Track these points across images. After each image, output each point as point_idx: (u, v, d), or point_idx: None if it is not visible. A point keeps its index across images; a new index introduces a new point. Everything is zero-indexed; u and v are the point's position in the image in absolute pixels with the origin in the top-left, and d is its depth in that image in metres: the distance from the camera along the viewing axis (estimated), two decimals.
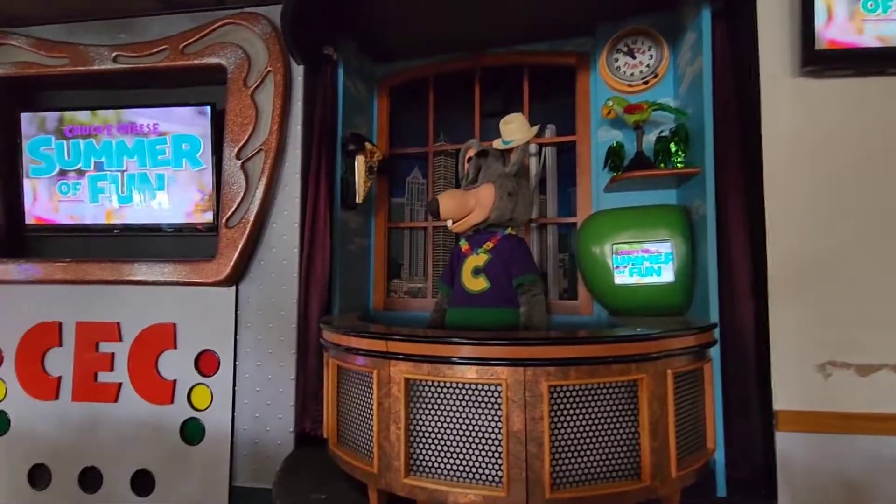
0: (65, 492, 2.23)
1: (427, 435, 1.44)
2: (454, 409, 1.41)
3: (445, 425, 1.41)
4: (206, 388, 2.19)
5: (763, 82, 1.68)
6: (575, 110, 2.40)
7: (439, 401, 1.42)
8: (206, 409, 2.18)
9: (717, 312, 1.70)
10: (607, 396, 1.39)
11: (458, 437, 1.40)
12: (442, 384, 1.42)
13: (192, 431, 2.18)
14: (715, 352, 1.67)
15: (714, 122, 1.75)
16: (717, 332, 1.67)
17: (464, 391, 1.40)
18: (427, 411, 1.44)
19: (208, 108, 2.31)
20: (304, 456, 2.07)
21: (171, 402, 2.19)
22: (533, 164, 2.58)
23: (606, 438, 1.38)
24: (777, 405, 1.60)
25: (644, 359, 1.40)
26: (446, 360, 1.39)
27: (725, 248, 1.72)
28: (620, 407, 1.40)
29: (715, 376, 1.65)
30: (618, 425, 1.39)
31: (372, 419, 1.50)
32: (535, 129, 1.89)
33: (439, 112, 2.67)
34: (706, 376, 1.60)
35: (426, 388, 1.44)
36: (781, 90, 1.67)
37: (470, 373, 1.38)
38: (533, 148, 2.57)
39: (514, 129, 1.87)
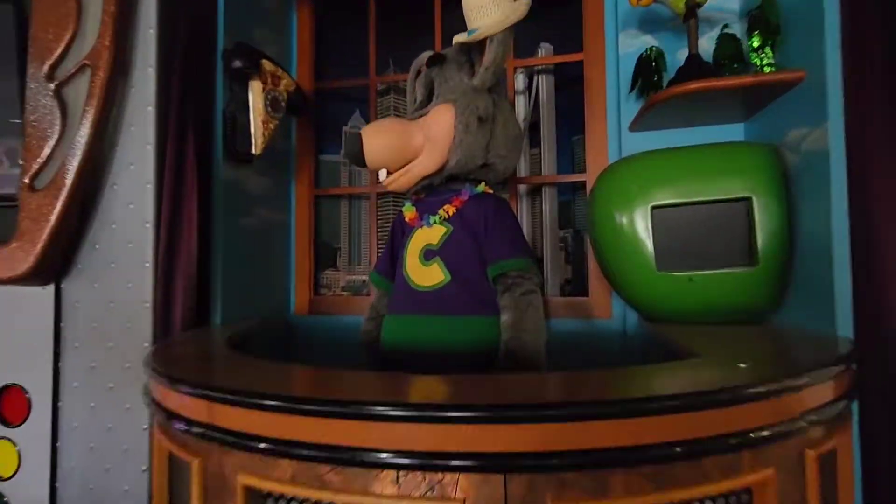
0: None
1: None
2: None
3: None
4: (11, 444, 1.39)
5: None
6: (581, 17, 1.62)
7: None
8: (12, 477, 1.38)
9: (849, 321, 0.96)
10: None
11: None
12: None
13: None
14: None
15: None
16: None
17: None
18: None
19: (10, 9, 1.48)
20: None
21: None
22: (521, 103, 1.80)
23: None
24: None
25: (766, 439, 0.64)
26: (328, 455, 0.61)
27: (860, 206, 0.96)
28: None
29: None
30: None
31: None
32: (523, 6, 1.09)
33: (386, 31, 1.86)
34: (844, 447, 0.85)
35: None
36: None
37: (385, 485, 0.60)
38: (521, 82, 1.79)
39: (486, 5, 1.07)
